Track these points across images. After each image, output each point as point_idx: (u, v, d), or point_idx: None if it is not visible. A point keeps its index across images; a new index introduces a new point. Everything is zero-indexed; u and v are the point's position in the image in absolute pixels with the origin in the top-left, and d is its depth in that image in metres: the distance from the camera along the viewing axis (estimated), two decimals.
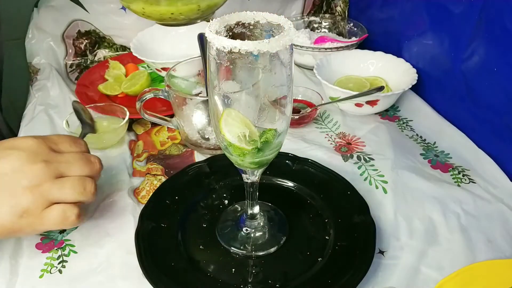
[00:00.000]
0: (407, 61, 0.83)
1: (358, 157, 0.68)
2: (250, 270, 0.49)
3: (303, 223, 0.55)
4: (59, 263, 0.51)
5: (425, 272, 0.50)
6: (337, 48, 0.90)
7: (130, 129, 0.74)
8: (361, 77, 0.85)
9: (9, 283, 0.48)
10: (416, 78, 0.78)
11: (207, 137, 0.66)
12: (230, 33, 0.40)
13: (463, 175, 0.64)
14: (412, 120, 0.78)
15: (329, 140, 0.73)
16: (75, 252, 0.52)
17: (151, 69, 0.92)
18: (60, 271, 0.50)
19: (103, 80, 0.88)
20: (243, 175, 0.48)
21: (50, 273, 0.50)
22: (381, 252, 0.52)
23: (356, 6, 1.07)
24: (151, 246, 0.50)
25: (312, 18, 1.08)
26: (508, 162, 0.63)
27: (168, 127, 0.75)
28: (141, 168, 0.66)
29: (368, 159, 0.67)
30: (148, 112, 0.66)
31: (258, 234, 0.53)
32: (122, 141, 0.72)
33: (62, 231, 0.55)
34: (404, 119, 0.78)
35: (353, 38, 0.99)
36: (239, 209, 0.57)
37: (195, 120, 0.66)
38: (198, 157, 0.68)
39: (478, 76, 0.69)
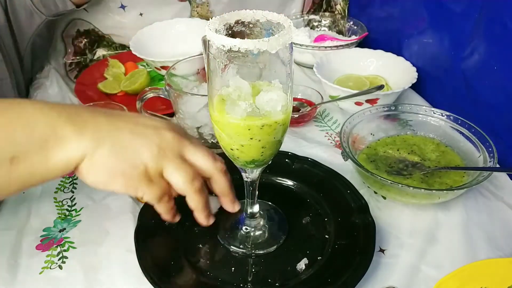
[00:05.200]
0: (407, 59, 0.83)
1: None
2: (249, 269, 0.49)
3: (303, 222, 0.55)
4: (59, 259, 0.51)
5: (425, 270, 0.50)
6: (337, 47, 0.90)
7: None
8: (361, 76, 0.85)
9: (9, 281, 0.48)
10: (416, 76, 0.78)
11: (208, 134, 0.66)
12: (230, 32, 0.40)
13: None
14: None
15: (329, 138, 0.73)
16: (75, 248, 0.53)
17: (150, 68, 0.92)
18: (60, 267, 0.50)
19: (102, 79, 0.88)
20: (243, 174, 0.48)
21: (50, 269, 0.50)
22: (381, 251, 0.52)
23: (356, 5, 1.07)
24: (150, 245, 0.50)
25: (312, 16, 1.08)
26: (508, 161, 0.63)
27: None
28: None
29: None
30: (148, 111, 0.66)
31: (257, 233, 0.53)
32: None
33: (61, 230, 0.55)
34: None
35: (353, 37, 0.99)
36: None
37: (196, 118, 0.66)
38: None
39: (478, 75, 0.69)
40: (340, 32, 1.06)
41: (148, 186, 0.43)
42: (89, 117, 0.42)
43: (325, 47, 0.89)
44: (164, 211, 0.46)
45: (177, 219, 0.48)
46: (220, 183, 0.47)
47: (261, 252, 0.51)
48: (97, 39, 1.00)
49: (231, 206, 0.50)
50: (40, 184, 0.41)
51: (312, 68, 0.82)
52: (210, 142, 0.67)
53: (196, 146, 0.46)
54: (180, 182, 0.43)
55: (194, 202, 0.45)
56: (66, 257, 0.51)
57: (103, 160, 0.41)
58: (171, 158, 0.43)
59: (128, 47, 0.90)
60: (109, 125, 0.42)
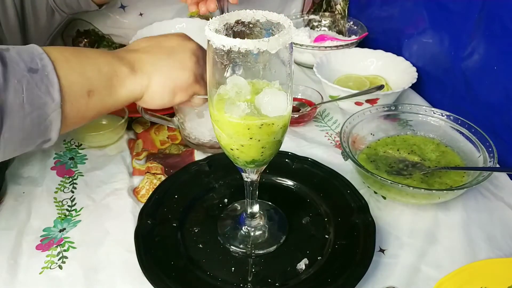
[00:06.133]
0: (407, 59, 0.83)
1: None
2: (249, 269, 0.49)
3: (303, 222, 0.55)
4: (59, 259, 0.51)
5: (425, 270, 0.50)
6: (337, 47, 0.90)
7: (129, 128, 0.74)
8: (361, 76, 0.85)
9: (9, 281, 0.48)
10: (416, 76, 0.78)
11: (208, 134, 0.66)
12: (230, 32, 0.40)
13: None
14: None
15: (328, 138, 0.73)
16: (75, 248, 0.53)
17: None
18: (60, 267, 0.50)
19: None
20: (243, 174, 0.48)
21: (50, 269, 0.50)
22: (381, 251, 0.52)
23: (356, 5, 1.07)
24: (150, 245, 0.50)
25: (312, 16, 1.08)
26: (508, 161, 0.63)
27: (168, 126, 0.75)
28: (141, 167, 0.66)
29: None
30: (149, 112, 0.66)
31: (258, 233, 0.53)
32: (121, 140, 0.72)
33: (61, 230, 0.55)
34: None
35: (353, 37, 0.99)
36: (239, 208, 0.57)
37: (196, 119, 0.66)
38: (198, 156, 0.68)
39: (478, 75, 0.69)
40: (340, 32, 1.06)
41: (201, 86, 0.55)
42: (134, 57, 0.52)
43: (325, 47, 0.89)
44: None
45: None
46: None
47: (261, 252, 0.51)
48: (97, 39, 1.00)
49: None
50: (111, 111, 0.53)
51: (312, 68, 0.82)
52: (210, 142, 0.67)
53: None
54: None
55: None
56: (66, 257, 0.51)
57: (161, 85, 0.52)
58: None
59: None
60: (150, 58, 0.52)
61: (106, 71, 0.49)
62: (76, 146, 0.70)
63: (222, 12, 0.77)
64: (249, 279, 0.48)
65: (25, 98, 0.41)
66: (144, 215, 0.53)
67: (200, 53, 0.56)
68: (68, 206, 0.59)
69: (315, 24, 1.08)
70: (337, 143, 0.71)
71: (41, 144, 0.45)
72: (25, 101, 0.41)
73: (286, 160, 0.63)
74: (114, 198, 0.60)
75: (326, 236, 0.53)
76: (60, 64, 0.44)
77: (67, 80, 0.44)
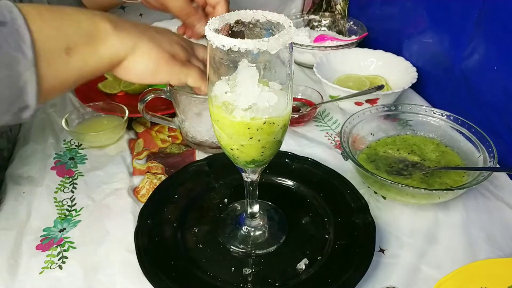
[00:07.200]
0: (407, 59, 0.83)
1: None
2: (249, 269, 0.49)
3: (303, 222, 0.55)
4: (59, 259, 0.51)
5: (425, 270, 0.50)
6: (337, 47, 0.90)
7: (129, 127, 0.74)
8: (361, 76, 0.85)
9: (9, 281, 0.48)
10: (416, 76, 0.78)
11: (210, 135, 0.66)
12: (230, 32, 0.40)
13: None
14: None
15: (328, 138, 0.73)
16: (75, 248, 0.53)
17: None
18: (60, 267, 0.50)
19: (102, 79, 0.88)
20: (243, 174, 0.48)
21: (50, 269, 0.50)
22: (381, 251, 0.52)
23: (356, 5, 1.07)
24: (150, 245, 0.50)
25: (312, 16, 1.08)
26: (508, 161, 0.63)
27: (169, 126, 0.75)
28: (141, 166, 0.66)
29: None
30: (150, 112, 0.66)
31: (258, 233, 0.53)
32: (121, 140, 0.72)
33: (61, 230, 0.55)
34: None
35: (353, 37, 0.99)
36: (239, 208, 0.57)
37: (196, 119, 0.66)
38: (199, 156, 0.68)
39: (478, 75, 0.69)
40: (340, 32, 1.06)
41: (189, 69, 0.52)
42: (117, 19, 0.47)
43: (325, 47, 0.89)
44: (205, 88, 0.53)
45: None
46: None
47: (261, 252, 0.51)
48: None
49: None
50: (94, 76, 0.46)
51: (312, 68, 0.82)
52: (210, 142, 0.67)
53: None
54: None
55: None
56: (66, 257, 0.51)
57: (147, 52, 0.48)
58: (194, 43, 0.57)
59: None
60: (135, 25, 0.49)
61: (86, 27, 0.44)
62: (76, 146, 0.70)
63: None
64: (249, 279, 0.48)
65: None
66: (144, 215, 0.53)
67: (185, 43, 0.55)
68: (68, 206, 0.59)
69: (315, 24, 1.08)
70: (337, 143, 0.71)
71: (18, 112, 0.40)
72: None
73: (286, 160, 0.63)
74: (114, 198, 0.60)
75: (326, 236, 0.53)
76: (32, 18, 0.39)
77: (41, 34, 0.39)
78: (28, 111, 0.40)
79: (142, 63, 0.48)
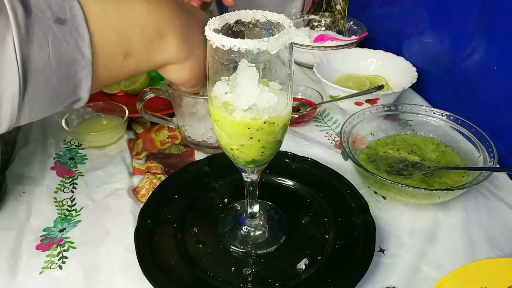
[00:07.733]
0: (407, 59, 0.83)
1: None
2: (249, 269, 0.49)
3: (303, 222, 0.55)
4: (59, 259, 0.51)
5: (425, 270, 0.50)
6: (337, 47, 0.90)
7: (129, 127, 0.74)
8: (361, 76, 0.85)
9: (9, 281, 0.48)
10: (416, 76, 0.78)
11: (209, 135, 0.66)
12: (230, 32, 0.40)
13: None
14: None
15: (328, 138, 0.73)
16: (75, 248, 0.53)
17: None
18: (60, 267, 0.50)
19: None
20: (243, 174, 0.48)
21: (50, 269, 0.50)
22: (381, 251, 0.52)
23: (356, 5, 1.07)
24: (150, 245, 0.50)
25: (312, 16, 1.08)
26: (508, 161, 0.63)
27: (168, 126, 0.75)
28: (141, 166, 0.66)
29: None
30: (149, 112, 0.66)
31: (258, 233, 0.53)
32: (121, 140, 0.72)
33: (61, 230, 0.55)
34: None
35: (353, 37, 0.99)
36: (239, 208, 0.57)
37: (197, 119, 0.66)
38: (198, 156, 0.68)
39: (478, 75, 0.69)
40: (340, 32, 1.06)
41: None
42: (187, 24, 0.47)
43: (325, 47, 0.89)
44: None
45: None
46: None
47: (261, 252, 0.51)
48: None
49: None
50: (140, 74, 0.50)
51: (312, 68, 0.82)
52: (209, 143, 0.67)
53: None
54: None
55: None
56: (66, 257, 0.51)
57: (191, 66, 0.48)
58: None
59: None
60: (198, 34, 0.48)
61: (149, 33, 0.43)
62: (76, 146, 0.70)
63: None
64: (249, 279, 0.48)
65: (51, 53, 0.36)
66: (144, 215, 0.53)
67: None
68: (68, 206, 0.59)
69: (315, 24, 1.08)
70: (337, 143, 0.71)
71: (70, 104, 0.40)
72: (51, 57, 0.36)
73: (286, 160, 0.63)
74: (114, 198, 0.60)
75: (326, 236, 0.53)
76: (95, 18, 0.38)
77: (102, 38, 0.39)
78: (80, 102, 0.41)
79: (180, 73, 0.49)
